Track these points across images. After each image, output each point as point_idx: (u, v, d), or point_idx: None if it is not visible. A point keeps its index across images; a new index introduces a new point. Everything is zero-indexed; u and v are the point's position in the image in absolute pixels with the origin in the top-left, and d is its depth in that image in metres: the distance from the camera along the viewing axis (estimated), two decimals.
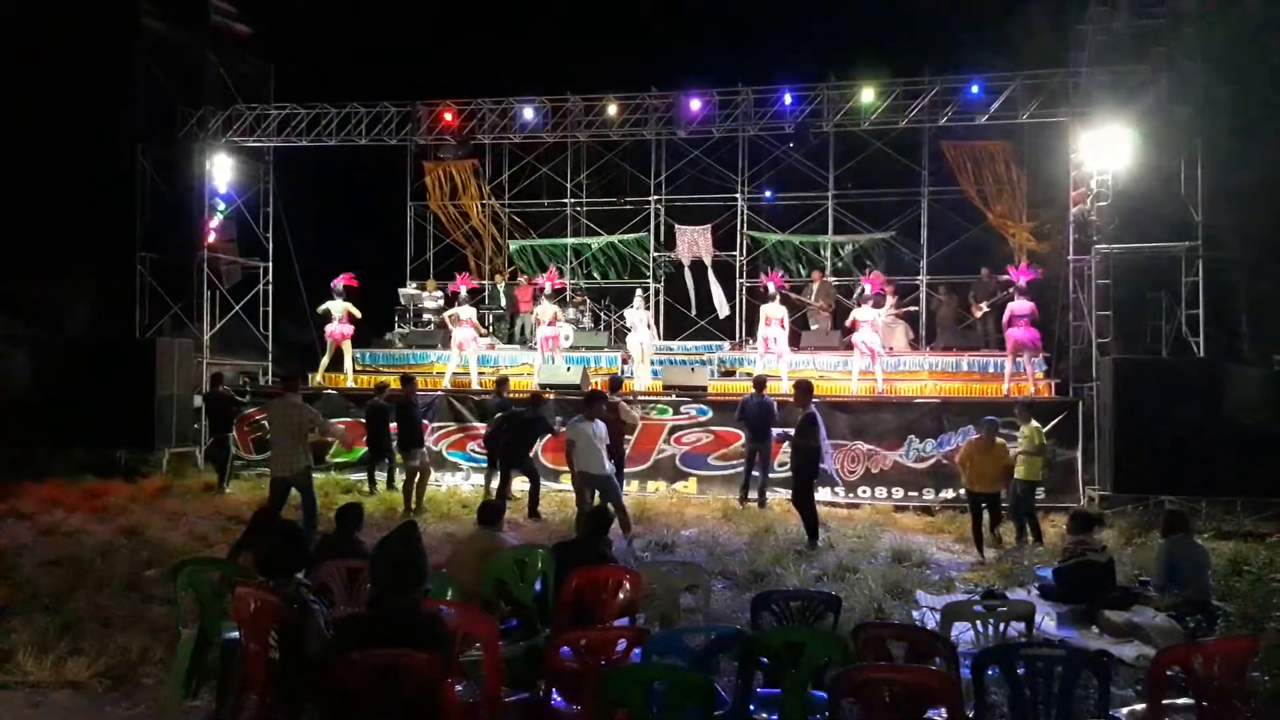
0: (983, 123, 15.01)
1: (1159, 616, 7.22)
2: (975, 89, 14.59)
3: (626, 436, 12.45)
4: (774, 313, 14.33)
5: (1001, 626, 5.13)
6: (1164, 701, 4.12)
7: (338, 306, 15.03)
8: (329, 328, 15.13)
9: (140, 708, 5.45)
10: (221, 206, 16.76)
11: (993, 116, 14.76)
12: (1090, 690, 4.21)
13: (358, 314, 15.21)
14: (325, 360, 15.44)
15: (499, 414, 12.33)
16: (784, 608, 5.25)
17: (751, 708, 4.38)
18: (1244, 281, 14.95)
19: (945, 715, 3.98)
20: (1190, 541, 7.86)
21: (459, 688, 4.46)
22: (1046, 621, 7.44)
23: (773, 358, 14.33)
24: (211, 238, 16.66)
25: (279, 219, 17.45)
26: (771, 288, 14.49)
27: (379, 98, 16.59)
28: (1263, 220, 14.08)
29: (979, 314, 15.39)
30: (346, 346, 15.26)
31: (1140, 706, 4.23)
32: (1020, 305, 13.52)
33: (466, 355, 15.07)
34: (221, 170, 16.68)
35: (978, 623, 5.14)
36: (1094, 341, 13.41)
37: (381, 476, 13.21)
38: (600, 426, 10.18)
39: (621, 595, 5.60)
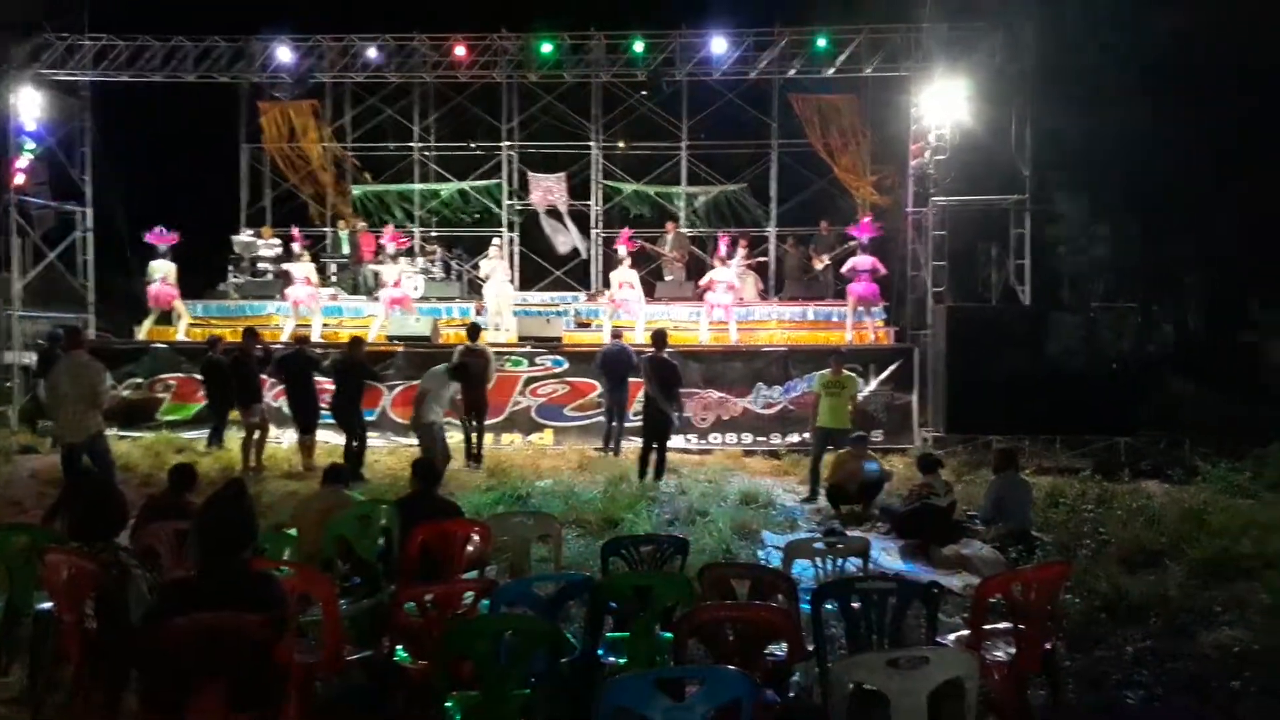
0: (830, 76, 15.32)
1: (985, 548, 7.69)
2: (822, 42, 14.84)
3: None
4: (625, 277, 14.26)
5: (840, 562, 5.32)
6: (985, 626, 4.38)
7: (160, 266, 14.12)
8: (151, 288, 14.21)
9: None
10: (30, 145, 15.35)
11: (839, 70, 15.08)
12: (920, 619, 4.41)
13: (173, 280, 14.35)
14: (149, 321, 14.53)
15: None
16: (634, 553, 5.30)
17: (601, 651, 4.40)
18: (1067, 234, 15.95)
19: (786, 649, 4.12)
20: (1016, 477, 8.39)
21: (297, 649, 4.31)
22: (884, 556, 7.82)
23: (626, 314, 14.27)
24: (19, 179, 15.26)
25: (99, 161, 16.14)
26: (622, 250, 14.42)
27: (208, 31, 15.48)
28: (1085, 176, 15.02)
29: (820, 266, 15.85)
30: (179, 305, 14.38)
31: (965, 632, 4.47)
32: (862, 259, 14.00)
33: (306, 309, 14.46)
34: (29, 106, 15.23)
35: (817, 559, 5.31)
36: (930, 291, 14.03)
37: (215, 434, 12.52)
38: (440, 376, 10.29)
39: (470, 548, 5.53)
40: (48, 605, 4.56)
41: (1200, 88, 14.44)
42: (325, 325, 14.69)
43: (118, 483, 8.62)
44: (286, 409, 11.86)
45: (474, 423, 11.79)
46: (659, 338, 10.75)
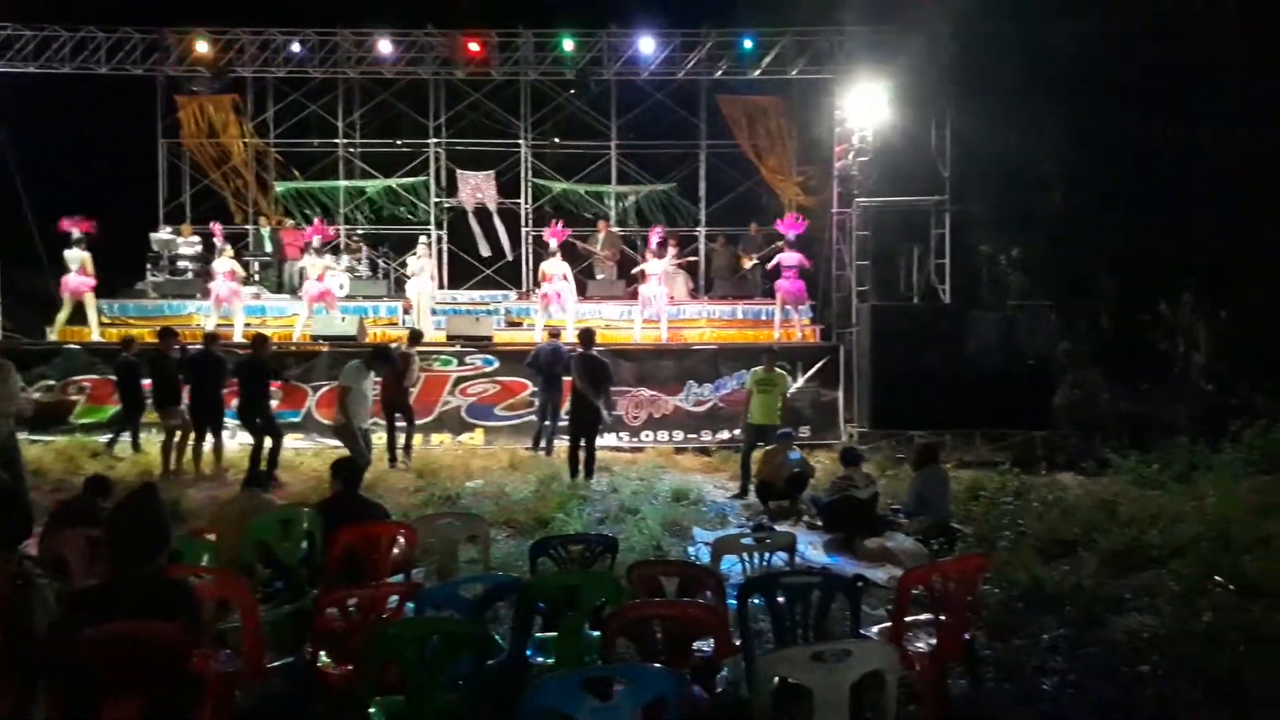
0: (756, 77, 15.48)
1: (908, 541, 7.86)
2: (748, 44, 15.01)
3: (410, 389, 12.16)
4: (554, 269, 14.20)
5: (767, 557, 5.38)
6: (907, 618, 4.47)
7: (74, 256, 13.61)
8: (65, 279, 13.69)
9: None
10: None
11: (764, 72, 15.27)
12: (845, 612, 4.48)
13: (90, 270, 13.82)
14: (63, 315, 13.98)
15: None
16: (563, 552, 5.29)
17: (529, 652, 4.38)
18: (985, 234, 16.36)
19: (713, 645, 4.15)
20: (937, 471, 8.59)
21: (215, 657, 4.20)
22: (811, 550, 7.94)
23: (558, 310, 14.23)
24: None
25: (6, 155, 15.48)
26: (553, 244, 14.36)
27: (120, 21, 14.97)
28: (1003, 178, 15.43)
29: (748, 265, 16.02)
30: (89, 299, 13.89)
31: (888, 624, 4.56)
32: (788, 257, 14.18)
33: (228, 308, 14.10)
34: None
35: (745, 555, 5.37)
36: (854, 290, 14.27)
37: (131, 438, 12.10)
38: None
39: (395, 550, 5.45)
40: None
41: (1114, 90, 14.94)
42: (248, 325, 14.32)
43: (29, 489, 8.33)
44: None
45: (400, 423, 11.65)
46: (586, 336, 10.72)
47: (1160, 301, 16.08)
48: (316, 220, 16.23)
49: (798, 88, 16.40)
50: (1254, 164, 13.86)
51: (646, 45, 15.12)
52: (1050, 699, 4.84)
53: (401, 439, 11.68)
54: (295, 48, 15.43)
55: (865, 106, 14.21)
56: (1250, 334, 14.92)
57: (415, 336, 12.33)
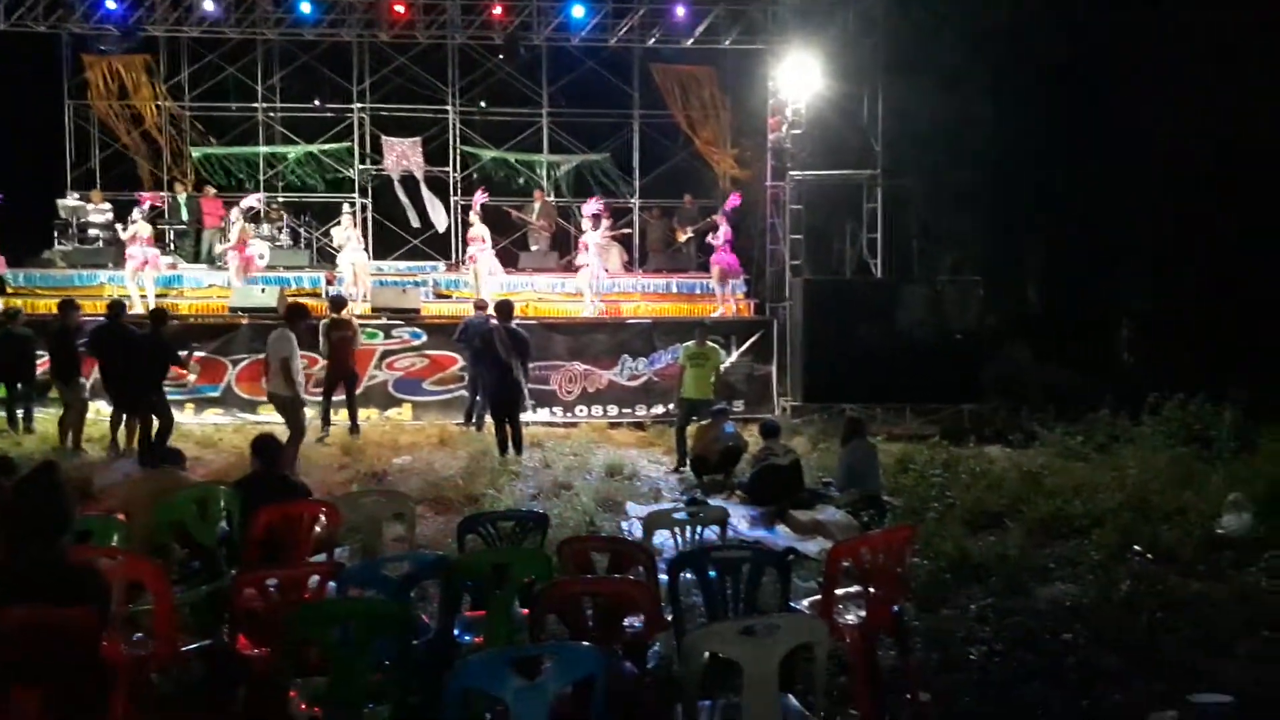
0: (689, 46, 15.34)
1: (839, 514, 7.93)
2: (681, 11, 14.83)
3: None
4: (478, 232, 14.06)
5: (699, 531, 5.34)
6: (838, 591, 4.48)
7: None
8: None
9: None
10: None
11: (697, 41, 15.12)
12: (775, 586, 4.46)
13: None
14: None
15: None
16: (493, 529, 5.17)
17: (456, 632, 4.28)
18: (916, 208, 16.53)
19: (643, 621, 4.09)
20: (864, 444, 8.66)
21: (127, 642, 4.02)
22: (742, 524, 7.94)
23: (485, 274, 14.00)
24: None
25: None
26: (476, 207, 14.16)
27: None
28: (934, 152, 15.57)
29: (682, 239, 15.96)
30: None
31: (818, 597, 4.56)
32: (724, 230, 14.17)
33: (142, 278, 13.55)
34: None
35: (676, 530, 5.32)
36: (788, 263, 14.31)
37: (47, 414, 11.54)
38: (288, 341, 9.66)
39: (317, 529, 5.28)
40: None
41: (1047, 64, 15.16)
42: (161, 297, 13.78)
43: None
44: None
45: (338, 396, 11.40)
46: (504, 309, 10.43)
47: (1086, 275, 16.46)
48: (259, 194, 15.63)
49: (731, 58, 16.29)
50: (1187, 140, 14.19)
51: (577, 10, 14.85)
52: (978, 668, 4.91)
53: (344, 413, 11.42)
54: (209, 6, 14.75)
55: (798, 79, 14.17)
56: (1173, 309, 15.40)
57: (336, 303, 11.86)
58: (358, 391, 11.87)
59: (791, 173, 14.37)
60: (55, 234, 15.31)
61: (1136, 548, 6.83)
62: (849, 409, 12.12)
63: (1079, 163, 15.04)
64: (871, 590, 4.36)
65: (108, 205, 15.34)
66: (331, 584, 4.21)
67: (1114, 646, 5.13)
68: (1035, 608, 5.78)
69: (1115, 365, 15.43)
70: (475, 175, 17.45)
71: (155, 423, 10.08)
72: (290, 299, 11.74)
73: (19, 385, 11.32)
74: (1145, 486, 8.32)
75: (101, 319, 10.75)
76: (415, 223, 17.44)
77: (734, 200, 14.31)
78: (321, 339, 11.23)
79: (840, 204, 15.35)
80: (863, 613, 4.39)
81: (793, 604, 4.42)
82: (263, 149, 17.58)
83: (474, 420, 12.05)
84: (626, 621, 4.11)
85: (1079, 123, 14.79)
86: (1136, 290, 16.35)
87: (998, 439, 11.86)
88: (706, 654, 3.33)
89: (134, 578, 4.19)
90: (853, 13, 14.12)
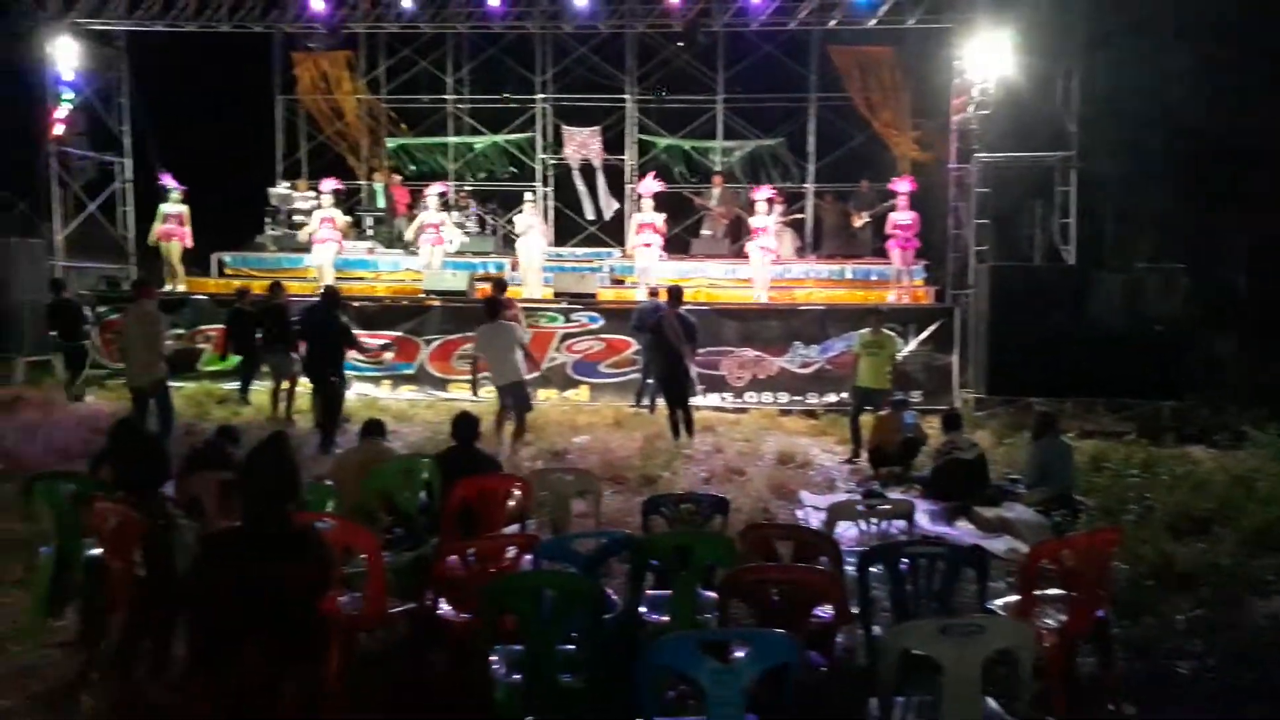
0: (871, 27, 14.93)
1: (1028, 512, 7.58)
2: None
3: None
4: (647, 219, 14.13)
5: (883, 524, 5.25)
6: (1035, 593, 4.30)
7: (169, 209, 14.24)
8: (164, 227, 14.27)
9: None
10: (69, 95, 15.37)
11: (880, 22, 14.69)
12: (968, 584, 4.33)
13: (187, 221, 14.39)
14: (176, 265, 14.62)
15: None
16: (674, 511, 5.26)
17: (642, 610, 4.38)
18: (1113, 192, 15.54)
19: (831, 612, 4.07)
20: (1057, 441, 8.23)
21: (342, 600, 4.33)
22: (923, 519, 7.71)
23: (653, 263, 14.12)
24: (58, 130, 15.32)
25: (137, 111, 16.15)
26: (642, 193, 14.29)
27: None
28: (1131, 133, 14.59)
29: (859, 224, 15.60)
30: (175, 246, 14.44)
31: (1014, 598, 4.39)
32: (902, 216, 13.75)
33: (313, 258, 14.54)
34: (66, 55, 15.24)
35: (860, 521, 5.24)
36: (972, 249, 13.76)
37: (260, 386, 12.53)
38: (509, 331, 9.66)
39: (511, 503, 5.52)
40: (97, 552, 4.60)
41: (1255, 40, 13.93)
42: (361, 279, 14.69)
43: (175, 431, 8.84)
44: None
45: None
46: (675, 294, 10.46)
47: None
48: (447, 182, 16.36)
49: (913, 38, 15.73)
50: None
51: None
52: (1188, 682, 4.61)
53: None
54: (407, 3, 15.52)
55: (986, 57, 13.51)
56: None
57: (500, 285, 12.01)
58: (538, 373, 12.20)
59: (977, 155, 13.77)
60: (266, 220, 16.56)
61: None
62: (1036, 402, 11.57)
63: None
64: (1074, 594, 4.17)
65: (313, 193, 16.45)
66: (526, 555, 4.41)
67: None
68: (1252, 623, 5.36)
69: None
70: (650, 163, 17.64)
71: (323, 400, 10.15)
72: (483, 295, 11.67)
73: (245, 358, 12.34)
74: None
75: (314, 299, 11.54)
76: (590, 214, 17.82)
77: (906, 181, 13.82)
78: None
79: (1029, 187, 14.59)
80: (1062, 617, 4.21)
81: (987, 605, 4.27)
82: (452, 139, 18.42)
83: (645, 402, 12.23)
84: (813, 612, 4.11)
85: None
86: None
87: (1201, 439, 11.03)
88: (900, 650, 3.28)
89: (347, 542, 4.50)
90: None
